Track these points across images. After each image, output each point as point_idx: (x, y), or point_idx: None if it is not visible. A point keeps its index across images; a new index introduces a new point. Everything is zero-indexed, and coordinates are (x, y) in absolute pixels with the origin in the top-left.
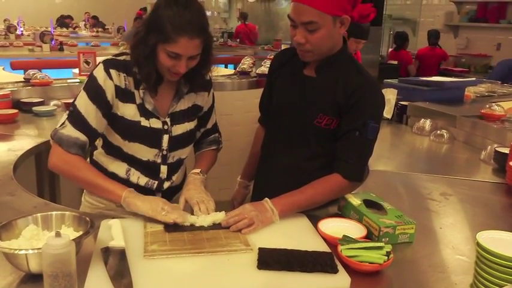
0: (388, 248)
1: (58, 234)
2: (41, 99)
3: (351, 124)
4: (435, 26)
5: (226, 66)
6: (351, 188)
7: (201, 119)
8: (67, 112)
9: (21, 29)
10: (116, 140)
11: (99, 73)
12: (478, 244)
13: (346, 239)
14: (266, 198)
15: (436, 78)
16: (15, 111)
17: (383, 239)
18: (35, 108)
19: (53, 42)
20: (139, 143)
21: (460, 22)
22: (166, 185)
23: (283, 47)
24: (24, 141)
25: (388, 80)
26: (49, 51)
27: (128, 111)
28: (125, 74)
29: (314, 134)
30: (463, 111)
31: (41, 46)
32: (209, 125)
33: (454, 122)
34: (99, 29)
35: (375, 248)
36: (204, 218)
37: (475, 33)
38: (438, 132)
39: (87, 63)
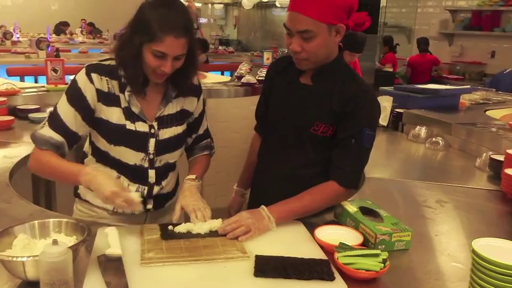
0: (385, 255)
1: (55, 242)
2: (37, 106)
3: (347, 132)
4: (430, 34)
5: (222, 73)
6: (347, 195)
7: (192, 125)
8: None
9: (17, 35)
10: (103, 144)
11: (80, 77)
12: (473, 251)
13: (343, 247)
14: (262, 206)
15: (431, 86)
16: (11, 118)
17: (379, 246)
18: (31, 115)
19: (49, 49)
20: (125, 146)
21: (454, 30)
22: (156, 189)
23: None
24: (20, 148)
25: (384, 88)
26: (45, 57)
27: (113, 114)
28: (107, 78)
29: (310, 142)
30: (458, 119)
31: (37, 53)
32: (200, 131)
33: (449, 129)
34: (95, 36)
35: (371, 255)
36: (201, 226)
37: (469, 41)
38: (433, 139)
39: (55, 71)
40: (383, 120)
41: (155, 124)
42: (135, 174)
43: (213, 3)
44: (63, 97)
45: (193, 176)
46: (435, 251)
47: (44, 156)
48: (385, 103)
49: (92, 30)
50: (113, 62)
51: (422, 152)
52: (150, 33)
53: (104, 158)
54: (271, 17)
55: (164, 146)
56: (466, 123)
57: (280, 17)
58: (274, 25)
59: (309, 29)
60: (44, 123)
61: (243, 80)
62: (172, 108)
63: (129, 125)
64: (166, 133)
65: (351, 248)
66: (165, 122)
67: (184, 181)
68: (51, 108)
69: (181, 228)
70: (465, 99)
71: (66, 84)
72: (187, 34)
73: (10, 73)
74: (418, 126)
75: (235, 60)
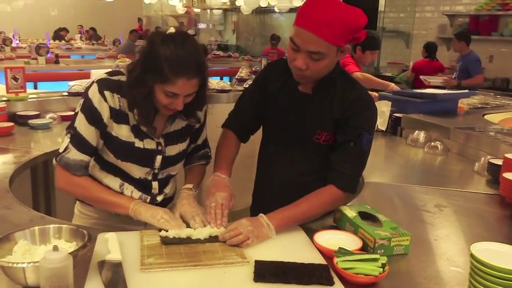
0: (384, 260)
1: (55, 248)
2: (37, 112)
3: (347, 136)
4: (428, 39)
5: (221, 78)
6: (345, 199)
7: (193, 135)
8: (68, 135)
9: (17, 41)
10: (110, 157)
11: (94, 95)
12: (472, 256)
13: (342, 251)
14: (261, 214)
15: (430, 91)
16: (11, 124)
17: (378, 251)
18: (31, 121)
19: (48, 55)
20: (132, 162)
21: (452, 35)
22: (159, 198)
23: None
24: (20, 154)
25: (383, 92)
26: (45, 64)
27: (122, 132)
28: (119, 96)
29: (313, 150)
30: (457, 123)
31: (36, 59)
32: (199, 141)
33: (447, 134)
34: (94, 42)
35: (370, 260)
36: (201, 231)
37: None
38: (432, 144)
39: (15, 79)
40: (382, 124)
41: (162, 141)
42: (140, 185)
43: (211, 9)
44: (81, 116)
45: (190, 186)
46: (434, 255)
47: (83, 183)
48: (384, 108)
49: (93, 35)
50: (122, 78)
51: (421, 156)
52: (162, 75)
53: (109, 168)
54: (269, 22)
55: (170, 162)
56: (464, 127)
57: (278, 22)
58: (273, 30)
59: (321, 51)
60: (68, 146)
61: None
62: (178, 125)
63: (138, 143)
64: (173, 150)
65: (350, 253)
66: (171, 138)
67: (181, 190)
68: (52, 114)
69: (181, 233)
70: (463, 103)
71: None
72: (200, 73)
73: None
74: (416, 131)
75: (234, 65)
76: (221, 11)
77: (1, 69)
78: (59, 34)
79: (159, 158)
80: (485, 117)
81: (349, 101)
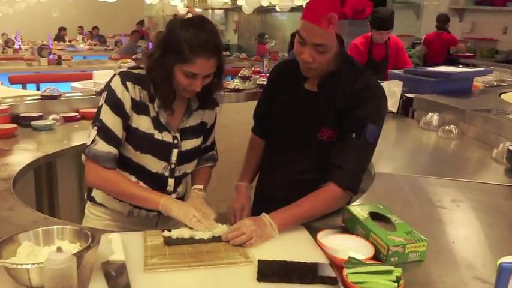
0: (398, 272)
1: (59, 249)
2: (40, 114)
3: (348, 126)
4: (440, 10)
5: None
6: (346, 198)
7: (204, 135)
8: (94, 128)
9: (19, 43)
10: (127, 150)
11: (117, 86)
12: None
13: (353, 261)
14: (264, 213)
15: (443, 69)
16: (14, 125)
17: (392, 259)
18: (33, 123)
19: (50, 56)
20: (151, 154)
21: (465, 5)
22: (173, 196)
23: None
24: (23, 156)
25: (393, 71)
26: (47, 65)
27: (143, 123)
28: (140, 87)
29: (316, 148)
30: (473, 105)
31: (39, 60)
32: (209, 142)
33: (463, 117)
34: (96, 43)
35: (383, 272)
36: (204, 231)
37: (481, 16)
38: (446, 127)
39: None
40: (392, 106)
41: (178, 135)
42: (156, 181)
43: (213, 9)
44: (105, 108)
45: (201, 186)
46: (453, 261)
47: (112, 177)
48: (395, 88)
49: (97, 34)
50: (142, 71)
51: (434, 141)
52: (182, 54)
53: (125, 164)
54: (271, 21)
55: (185, 157)
56: (480, 109)
57: (280, 22)
58: (274, 29)
59: (326, 43)
60: (95, 138)
61: (259, 81)
62: (193, 121)
63: (157, 135)
64: (188, 145)
65: (361, 263)
66: (186, 133)
67: (191, 190)
68: (55, 115)
69: (185, 233)
70: (478, 81)
71: None
72: (218, 53)
73: (12, 81)
74: (429, 113)
75: (236, 65)
76: (222, 10)
77: (4, 71)
78: (59, 35)
79: (175, 151)
80: (502, 96)
81: (354, 91)
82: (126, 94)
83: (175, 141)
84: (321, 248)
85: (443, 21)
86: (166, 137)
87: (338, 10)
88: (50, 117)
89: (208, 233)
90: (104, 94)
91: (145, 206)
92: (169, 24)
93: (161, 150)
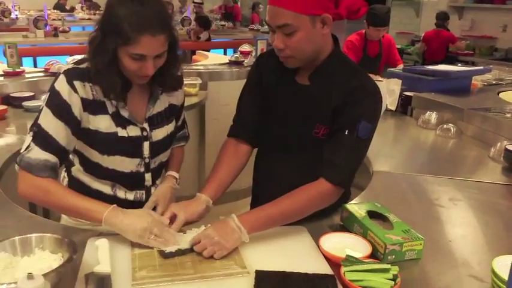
0: (395, 270)
1: (30, 277)
2: (32, 93)
3: (341, 124)
4: (439, 7)
5: (225, 52)
6: (336, 195)
7: (176, 117)
8: (30, 134)
9: (16, 13)
10: (94, 156)
11: (62, 87)
12: (493, 272)
13: (350, 259)
14: (233, 215)
15: (442, 67)
16: (5, 107)
17: (389, 257)
18: (25, 103)
19: (47, 28)
20: (120, 155)
21: (465, 3)
22: (153, 190)
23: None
24: (13, 140)
25: (392, 69)
26: (43, 37)
27: (102, 123)
28: (90, 84)
29: (312, 145)
30: (471, 103)
31: (34, 32)
32: (180, 122)
33: (461, 115)
34: (96, 12)
35: (380, 270)
36: (183, 237)
37: (480, 14)
38: (445, 126)
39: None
40: (391, 104)
41: (146, 126)
42: (132, 181)
43: None
44: (46, 111)
45: (176, 174)
46: (450, 260)
47: (48, 186)
48: (394, 86)
49: (90, 5)
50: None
51: (432, 139)
52: (123, 35)
53: (94, 169)
54: None
55: (159, 147)
56: (479, 108)
57: None
58: None
59: (287, 22)
60: (29, 145)
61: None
62: (160, 106)
63: (121, 132)
64: (160, 133)
65: (359, 262)
66: (155, 121)
67: (166, 176)
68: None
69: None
70: (477, 80)
71: None
72: (166, 29)
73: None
74: (428, 112)
75: (238, 36)
76: None
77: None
78: (59, 4)
79: (146, 144)
80: (501, 95)
81: (349, 89)
82: (74, 96)
83: (144, 133)
84: (322, 252)
85: (442, 18)
86: (133, 131)
87: (332, 11)
88: (43, 97)
89: (188, 238)
90: (46, 96)
91: (88, 219)
92: (108, 2)
93: (130, 148)
